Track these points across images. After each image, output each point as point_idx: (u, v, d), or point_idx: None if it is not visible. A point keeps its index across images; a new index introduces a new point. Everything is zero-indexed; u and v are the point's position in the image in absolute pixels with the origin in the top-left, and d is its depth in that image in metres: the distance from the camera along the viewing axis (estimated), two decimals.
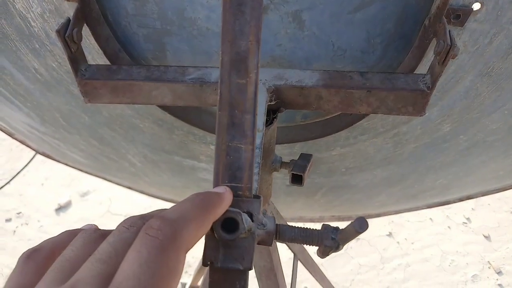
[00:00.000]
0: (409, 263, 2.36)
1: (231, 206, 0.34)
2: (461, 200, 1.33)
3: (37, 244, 0.31)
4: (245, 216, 0.33)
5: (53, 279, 0.27)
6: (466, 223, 2.54)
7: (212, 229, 0.32)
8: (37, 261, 0.30)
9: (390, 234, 2.51)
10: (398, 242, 2.47)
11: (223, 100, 0.34)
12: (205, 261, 0.33)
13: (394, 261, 2.38)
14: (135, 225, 0.30)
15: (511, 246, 2.38)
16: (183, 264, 0.27)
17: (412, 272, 2.32)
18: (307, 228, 0.36)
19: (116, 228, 0.30)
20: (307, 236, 0.35)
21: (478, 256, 2.36)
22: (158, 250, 0.26)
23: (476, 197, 1.29)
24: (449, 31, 0.46)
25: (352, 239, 0.32)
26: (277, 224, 0.35)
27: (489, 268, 2.30)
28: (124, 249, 0.27)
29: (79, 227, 0.34)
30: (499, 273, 2.26)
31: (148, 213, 0.32)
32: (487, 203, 2.61)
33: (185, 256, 0.28)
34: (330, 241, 0.34)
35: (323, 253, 0.35)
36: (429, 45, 0.53)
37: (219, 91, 0.33)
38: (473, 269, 2.30)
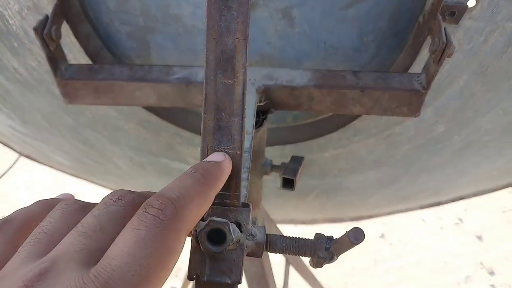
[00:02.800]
0: (402, 265, 2.36)
1: (217, 216, 0.31)
2: (453, 200, 1.33)
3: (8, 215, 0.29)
4: (233, 227, 0.30)
5: (29, 253, 0.24)
6: (458, 223, 2.54)
7: (197, 240, 0.30)
8: (9, 233, 0.27)
9: (382, 236, 2.50)
10: (390, 244, 2.47)
11: (209, 102, 0.31)
12: (190, 275, 0.31)
13: (387, 263, 2.37)
14: (124, 198, 0.27)
15: (504, 247, 2.39)
16: (183, 247, 0.25)
17: (405, 273, 2.31)
18: (299, 238, 0.34)
19: (102, 200, 0.28)
20: (300, 247, 0.33)
21: (470, 257, 2.36)
22: (158, 229, 0.24)
23: (468, 197, 1.29)
24: (445, 28, 0.45)
25: (347, 250, 0.30)
26: (267, 234, 0.33)
27: (481, 268, 2.30)
28: (110, 224, 0.25)
29: (54, 197, 0.31)
30: (491, 273, 2.27)
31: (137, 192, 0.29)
32: (479, 203, 2.61)
33: (185, 238, 0.26)
34: (324, 252, 0.32)
35: (316, 264, 0.33)
36: (424, 43, 0.51)
37: (204, 92, 0.31)
38: (465, 270, 2.30)
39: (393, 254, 2.42)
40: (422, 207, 1.41)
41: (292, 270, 1.06)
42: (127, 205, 0.27)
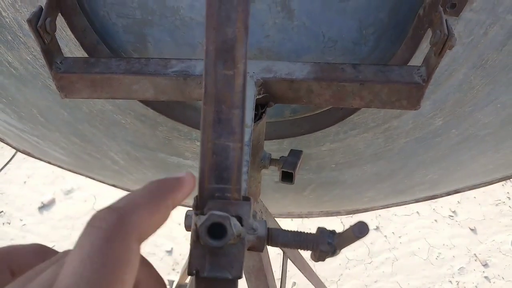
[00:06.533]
0: (396, 257, 2.37)
1: (218, 209, 0.31)
2: (448, 194, 1.33)
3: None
4: (233, 221, 0.30)
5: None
6: (452, 216, 2.56)
7: (197, 235, 0.30)
8: None
9: (377, 228, 2.51)
10: (385, 236, 2.48)
11: (208, 94, 0.31)
12: (190, 270, 0.30)
13: (381, 255, 2.38)
14: None
15: (497, 239, 2.41)
16: (137, 254, 0.24)
17: (400, 265, 2.33)
18: (301, 232, 0.33)
19: None
20: (302, 241, 0.33)
21: (464, 249, 2.38)
22: (102, 240, 0.22)
23: (464, 191, 1.29)
24: (446, 20, 0.44)
25: (350, 244, 0.30)
26: (268, 228, 0.33)
27: (475, 260, 2.32)
28: None
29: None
30: (485, 265, 2.29)
31: None
32: (472, 196, 2.64)
33: (138, 246, 0.24)
34: (326, 246, 0.32)
35: (318, 258, 0.33)
36: (424, 36, 0.51)
37: (203, 83, 0.30)
38: (459, 262, 2.33)
39: (387, 246, 2.44)
40: (417, 201, 1.41)
41: (289, 263, 1.06)
42: None
